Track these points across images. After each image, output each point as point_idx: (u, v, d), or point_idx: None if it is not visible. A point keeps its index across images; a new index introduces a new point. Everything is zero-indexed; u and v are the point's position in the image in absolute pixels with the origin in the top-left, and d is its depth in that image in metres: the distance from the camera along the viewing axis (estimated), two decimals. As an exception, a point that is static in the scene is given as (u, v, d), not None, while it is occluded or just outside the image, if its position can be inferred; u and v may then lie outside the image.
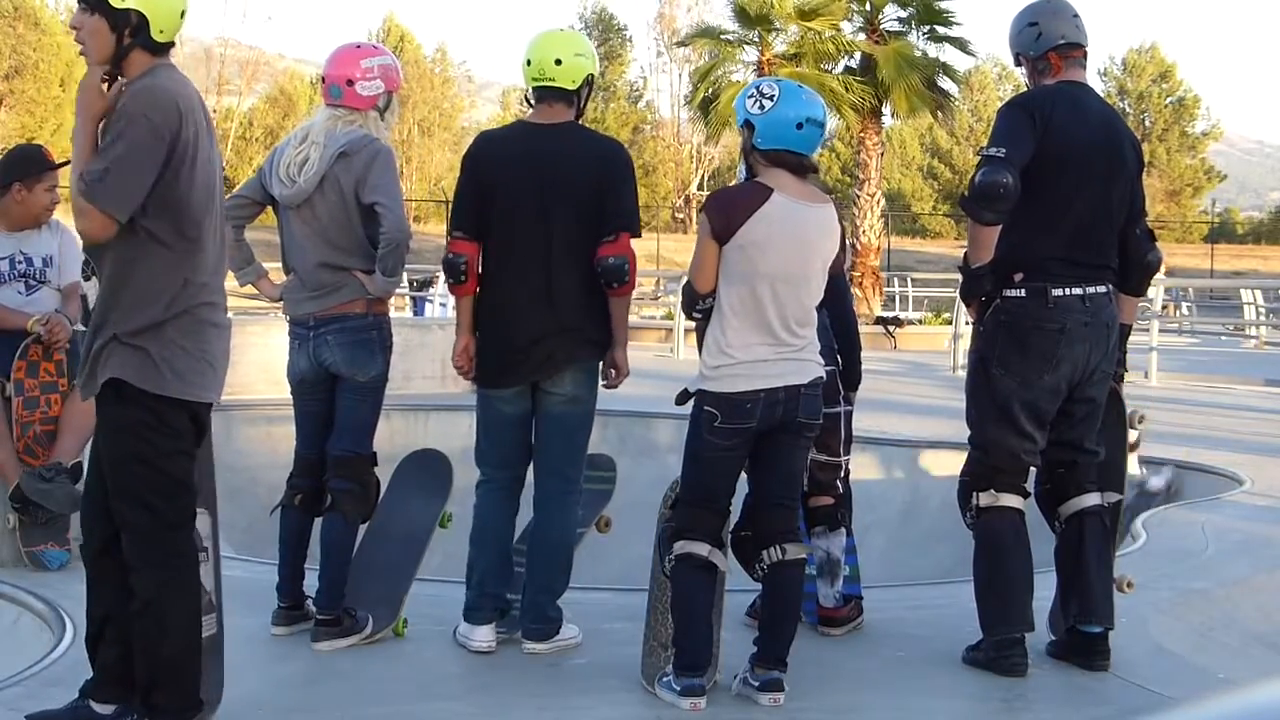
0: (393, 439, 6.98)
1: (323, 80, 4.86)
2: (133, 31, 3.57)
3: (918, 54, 24.55)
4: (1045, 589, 4.70)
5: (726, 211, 4.17)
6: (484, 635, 4.63)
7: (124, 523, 3.59)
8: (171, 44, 3.67)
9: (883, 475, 9.15)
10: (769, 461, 4.24)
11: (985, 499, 4.52)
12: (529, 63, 4.60)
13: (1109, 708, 4.22)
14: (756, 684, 4.15)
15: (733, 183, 5.07)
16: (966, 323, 7.80)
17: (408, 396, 9.96)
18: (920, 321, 24.29)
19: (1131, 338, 4.91)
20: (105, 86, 3.60)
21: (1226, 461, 8.48)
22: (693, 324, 4.46)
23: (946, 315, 22.72)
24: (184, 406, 3.61)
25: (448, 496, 4.99)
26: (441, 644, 4.74)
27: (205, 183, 3.61)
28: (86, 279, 5.81)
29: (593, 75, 4.68)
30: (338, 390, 4.78)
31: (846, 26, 25.12)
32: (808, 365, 4.20)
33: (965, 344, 7.26)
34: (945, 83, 25.23)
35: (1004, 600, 4.49)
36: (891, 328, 21.30)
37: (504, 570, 4.73)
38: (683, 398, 4.27)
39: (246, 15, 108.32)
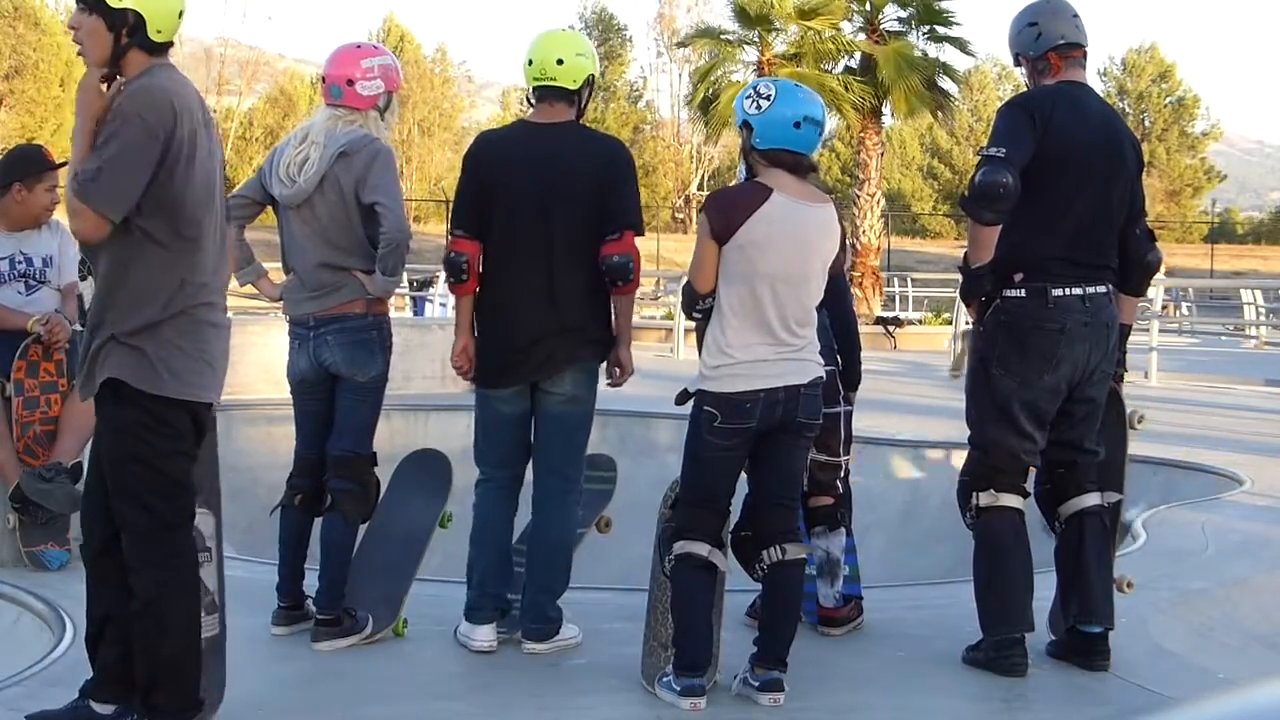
0: (393, 439, 6.98)
1: (323, 80, 4.86)
2: (130, 31, 3.57)
3: (918, 54, 24.57)
4: (1045, 589, 4.70)
5: (726, 212, 4.17)
6: (485, 635, 4.64)
7: (123, 523, 3.59)
8: (170, 44, 3.67)
9: (883, 475, 9.15)
10: (769, 461, 4.24)
11: (985, 499, 4.52)
12: (530, 62, 4.61)
13: (1109, 708, 4.22)
14: (756, 684, 4.15)
15: (733, 183, 5.08)
16: (967, 323, 7.80)
17: (408, 396, 9.96)
18: (920, 321, 24.29)
19: (1131, 338, 4.91)
20: (104, 86, 3.59)
21: (1226, 461, 8.49)
22: (693, 324, 4.46)
23: (946, 315, 22.72)
24: (183, 406, 3.61)
25: (448, 496, 4.99)
26: (441, 644, 4.74)
27: (202, 182, 3.60)
28: (82, 278, 5.81)
29: (593, 75, 4.68)
30: (338, 390, 4.77)
31: (846, 26, 25.16)
32: (808, 365, 4.20)
33: (965, 344, 7.29)
34: (945, 83, 25.26)
35: (1004, 600, 4.49)
36: (891, 328, 21.31)
37: (504, 570, 4.74)
38: (683, 398, 4.27)
39: (246, 15, 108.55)
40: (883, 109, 25.33)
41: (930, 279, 30.59)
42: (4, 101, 45.63)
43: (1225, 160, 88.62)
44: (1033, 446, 4.53)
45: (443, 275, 4.90)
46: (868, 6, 25.03)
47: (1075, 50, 4.57)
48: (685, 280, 4.37)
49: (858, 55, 25.20)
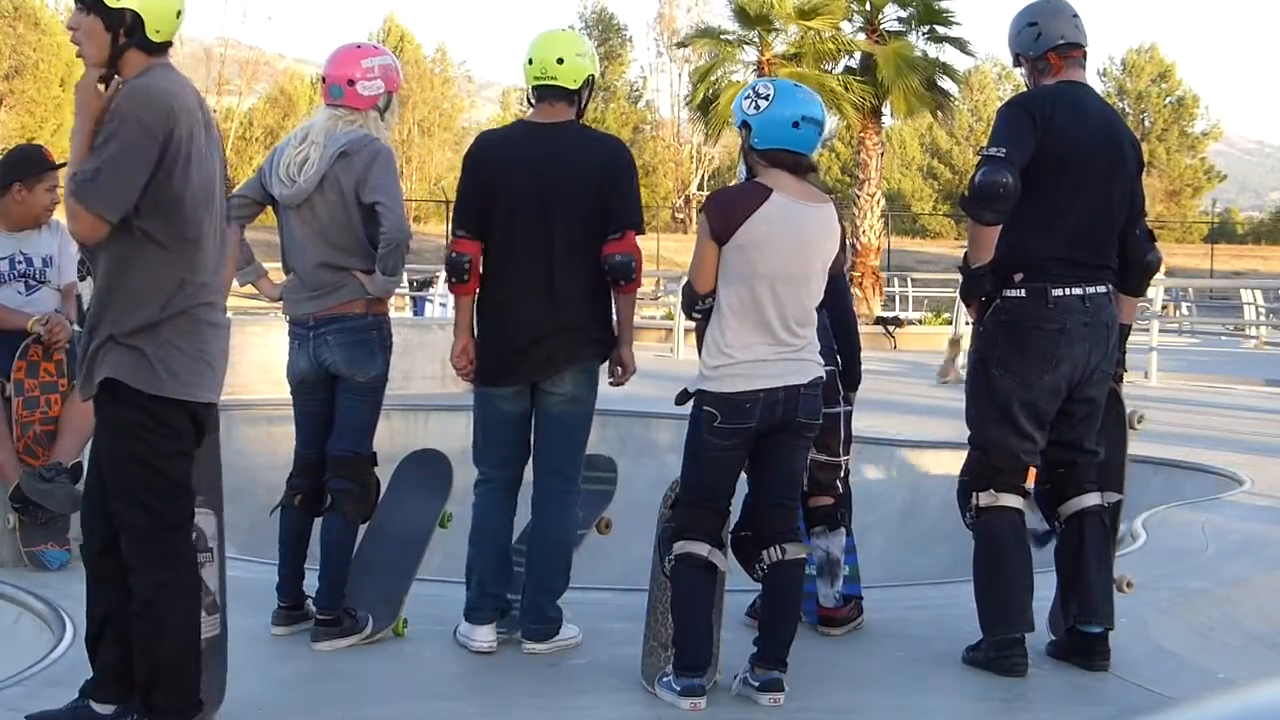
0: (393, 439, 6.97)
1: (323, 80, 4.86)
2: (128, 31, 3.57)
3: (917, 54, 24.56)
4: (1045, 589, 4.70)
5: (725, 212, 4.17)
6: (485, 635, 4.63)
7: (122, 523, 3.59)
8: (169, 44, 3.66)
9: (883, 475, 9.15)
10: (769, 461, 4.24)
11: (985, 499, 4.52)
12: (531, 61, 4.61)
13: (1109, 708, 4.22)
14: (756, 684, 4.15)
15: (733, 183, 5.08)
16: (967, 323, 7.80)
17: (408, 396, 9.96)
18: (920, 321, 24.29)
19: (1131, 338, 4.91)
20: (102, 87, 3.59)
21: (1226, 461, 8.49)
22: (693, 324, 4.46)
23: (946, 315, 22.72)
24: (181, 407, 3.60)
25: (448, 496, 4.99)
26: (441, 644, 4.74)
27: (201, 182, 3.60)
28: (81, 279, 5.81)
29: (593, 76, 4.68)
30: (337, 390, 4.78)
31: (846, 26, 25.16)
32: (807, 365, 4.20)
33: (965, 344, 7.28)
34: (945, 83, 25.26)
35: (1004, 600, 4.49)
36: (891, 328, 21.31)
37: (504, 570, 4.73)
38: (682, 398, 4.27)
39: (246, 15, 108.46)
40: (883, 109, 25.33)
41: (930, 279, 30.59)
42: (4, 101, 45.63)
43: (1225, 160, 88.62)
44: (1033, 446, 4.53)
45: (443, 275, 4.90)
46: (868, 6, 25.04)
47: (1075, 50, 4.57)
48: (685, 280, 4.38)
49: (858, 55, 25.21)
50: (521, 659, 4.60)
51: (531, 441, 4.70)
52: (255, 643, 4.60)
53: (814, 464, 4.85)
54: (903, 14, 25.18)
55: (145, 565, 3.58)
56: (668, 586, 4.29)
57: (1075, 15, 4.60)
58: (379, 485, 4.88)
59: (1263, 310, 23.58)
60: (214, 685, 3.81)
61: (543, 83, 4.59)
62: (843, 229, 4.41)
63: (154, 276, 3.56)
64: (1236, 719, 1.73)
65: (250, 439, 8.89)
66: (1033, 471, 4.67)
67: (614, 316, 4.68)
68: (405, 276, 18.27)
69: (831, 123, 30.56)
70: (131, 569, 3.59)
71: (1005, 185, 4.29)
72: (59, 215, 5.87)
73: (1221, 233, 57.14)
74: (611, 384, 4.74)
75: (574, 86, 4.61)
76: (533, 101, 4.67)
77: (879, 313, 23.48)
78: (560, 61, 4.57)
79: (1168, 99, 58.92)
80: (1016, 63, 4.72)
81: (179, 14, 3.65)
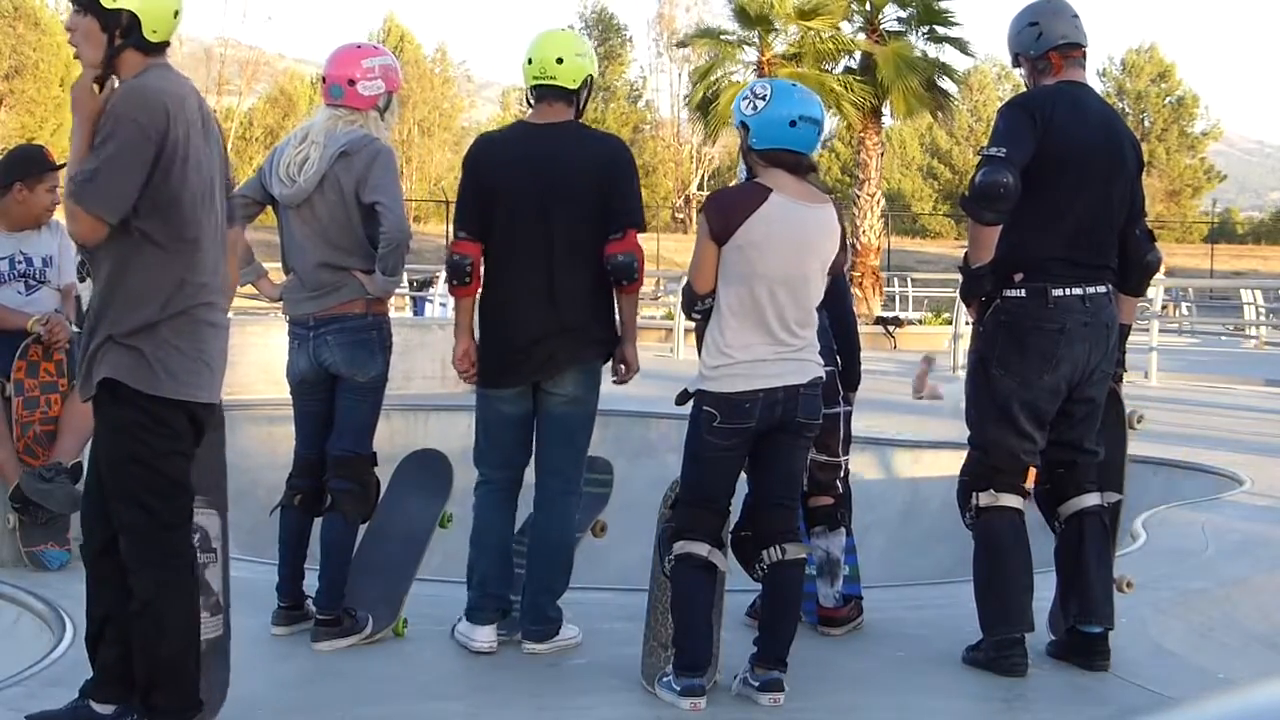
0: (393, 439, 6.97)
1: (323, 80, 4.85)
2: (124, 32, 3.56)
3: (917, 54, 24.56)
4: (1045, 589, 4.70)
5: (725, 212, 4.17)
6: (486, 635, 4.63)
7: (121, 523, 3.59)
8: (166, 44, 3.66)
9: (883, 475, 9.16)
10: (768, 461, 4.24)
11: (985, 499, 4.52)
12: (530, 61, 4.60)
13: (1109, 708, 4.22)
14: (756, 684, 4.15)
15: (733, 183, 5.08)
16: (966, 323, 7.80)
17: (408, 396, 9.96)
18: (920, 321, 24.29)
19: (1131, 338, 4.91)
20: (96, 88, 3.58)
21: (1226, 461, 8.49)
22: (693, 324, 4.46)
23: (946, 315, 22.72)
24: (180, 407, 3.60)
25: (448, 496, 4.99)
26: (441, 644, 4.74)
27: (199, 182, 3.60)
28: (81, 280, 5.81)
29: (592, 76, 4.68)
30: (337, 390, 4.77)
31: (846, 26, 25.16)
32: (807, 365, 4.20)
33: (965, 344, 7.28)
34: (945, 83, 25.25)
35: (1004, 600, 4.49)
36: (891, 328, 21.32)
37: (506, 571, 4.73)
38: (682, 398, 4.27)
39: (246, 15, 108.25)
40: (883, 109, 25.33)
41: (930, 279, 30.59)
42: (4, 101, 45.64)
43: (1225, 160, 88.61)
44: (1032, 446, 4.53)
45: (443, 275, 4.91)
46: (868, 6, 25.04)
47: (1075, 50, 4.57)
48: (685, 280, 4.38)
49: (858, 55, 25.21)
50: (521, 659, 4.60)
51: (533, 442, 4.70)
52: (255, 643, 4.60)
53: (814, 464, 4.85)
54: (903, 14, 25.19)
55: (144, 565, 3.58)
56: (668, 586, 4.29)
57: (1075, 15, 4.60)
58: (379, 485, 4.88)
59: (1263, 310, 23.58)
60: (216, 686, 3.81)
61: (542, 83, 4.59)
62: (843, 229, 4.41)
63: (153, 277, 3.56)
64: (1236, 719, 1.73)
65: (250, 439, 8.89)
66: (1032, 471, 4.67)
67: (616, 316, 4.68)
68: (405, 276, 18.26)
69: (831, 123, 30.59)
70: (131, 569, 3.58)
71: (1006, 185, 4.29)
72: (59, 215, 5.89)
73: (1221, 233, 57.14)
74: (615, 382, 4.75)
75: (573, 86, 4.60)
76: (531, 102, 4.67)
77: (879, 313, 23.49)
78: (560, 61, 4.57)
79: (1167, 99, 58.93)
80: (1016, 63, 4.71)
81: (176, 14, 3.64)
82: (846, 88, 24.01)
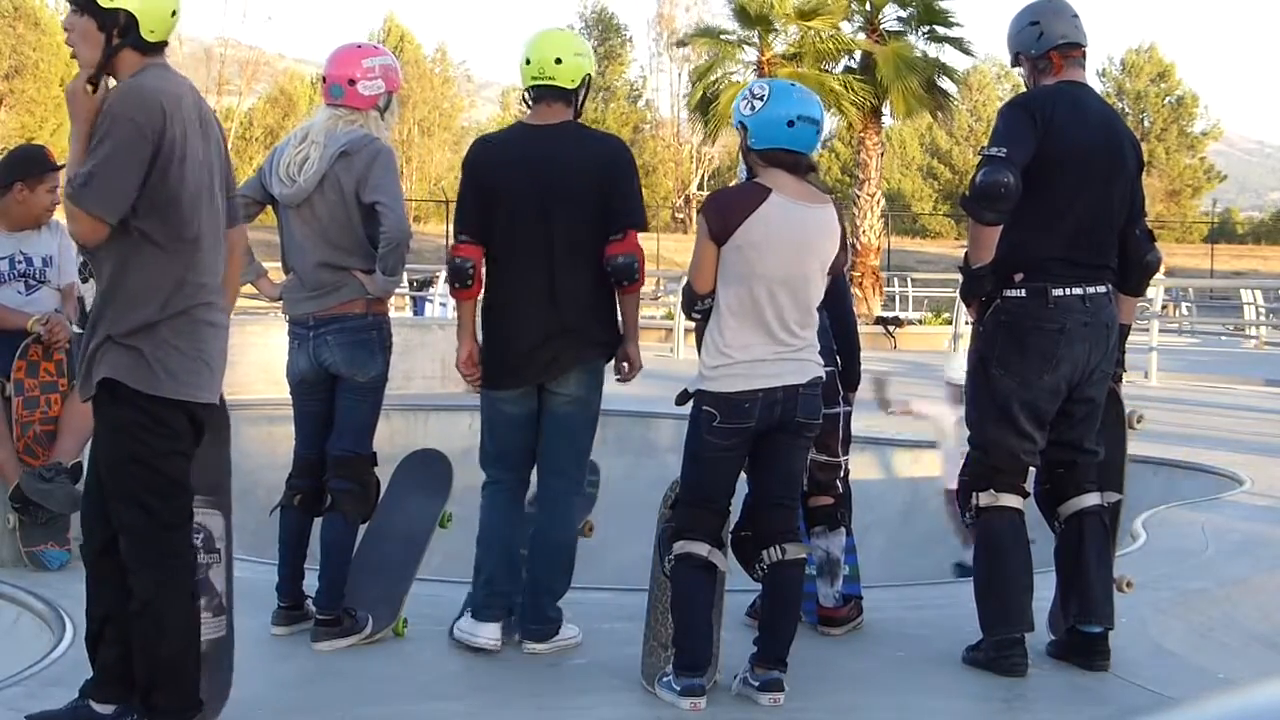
0: (393, 439, 6.98)
1: (323, 80, 4.85)
2: (121, 32, 3.56)
3: (917, 54, 24.56)
4: (1045, 589, 4.70)
5: (724, 212, 4.18)
6: (490, 633, 4.61)
7: (121, 523, 3.59)
8: (164, 43, 3.65)
9: (883, 475, 9.15)
10: (768, 461, 4.24)
11: (985, 499, 4.52)
12: (528, 61, 4.59)
13: (1109, 708, 4.22)
14: (756, 684, 4.15)
15: (733, 183, 5.08)
16: (966, 322, 7.80)
17: (408, 396, 9.97)
18: (920, 321, 24.30)
19: (1131, 338, 4.91)
20: (90, 89, 3.58)
21: (1226, 461, 8.49)
22: (693, 324, 4.46)
23: (946, 315, 22.73)
24: (180, 407, 3.60)
25: (448, 496, 4.99)
26: (441, 644, 4.74)
27: (197, 182, 3.59)
28: (84, 281, 5.81)
29: (590, 75, 4.68)
30: (337, 390, 4.77)
31: (846, 26, 25.15)
32: (807, 365, 4.20)
33: (965, 344, 7.27)
34: (945, 83, 25.25)
35: (1004, 600, 4.49)
36: (891, 328, 21.31)
37: (513, 570, 4.71)
38: (682, 398, 4.27)
39: (246, 15, 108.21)
40: (883, 109, 25.33)
41: (930, 279, 30.59)
42: (4, 101, 45.65)
43: (1225, 160, 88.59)
44: (1032, 446, 4.53)
45: (443, 275, 4.90)
46: (868, 6, 25.03)
47: (1075, 50, 4.57)
48: (685, 280, 4.38)
49: (858, 55, 25.20)
50: (521, 659, 4.60)
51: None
52: (255, 643, 4.60)
53: (814, 464, 4.85)
54: (903, 14, 25.18)
55: (144, 565, 3.58)
56: (668, 586, 4.29)
57: (1075, 15, 4.60)
58: (379, 485, 4.88)
59: (1263, 310, 23.59)
60: (219, 687, 3.81)
61: (540, 83, 4.58)
62: (843, 229, 4.41)
63: (152, 277, 3.56)
64: (1236, 719, 1.73)
65: (250, 439, 8.89)
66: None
67: (618, 315, 4.68)
68: (405, 276, 18.26)
69: (831, 123, 30.60)
70: (130, 569, 3.58)
71: (1006, 185, 4.29)
72: (59, 216, 5.89)
73: (1221, 233, 57.14)
74: (619, 380, 4.75)
75: (572, 86, 4.60)
76: (529, 102, 4.67)
77: (879, 313, 23.48)
78: (558, 62, 4.56)
79: (1167, 99, 58.92)
80: (1015, 62, 4.71)
81: (174, 14, 3.64)
82: (846, 88, 24.01)
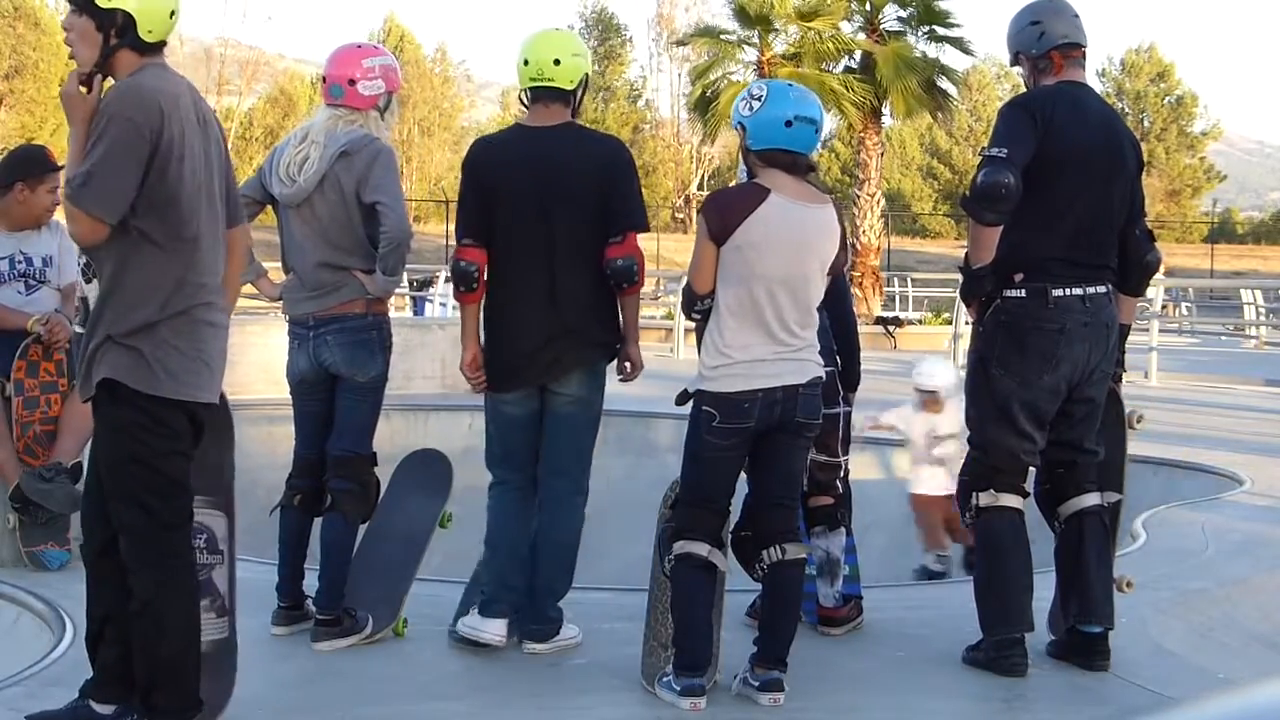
0: (393, 439, 6.98)
1: (323, 80, 4.85)
2: (119, 32, 3.56)
3: (917, 54, 24.56)
4: (1045, 589, 4.70)
5: (723, 213, 4.18)
6: (497, 628, 4.59)
7: (120, 523, 3.59)
8: (162, 44, 3.66)
9: (883, 475, 9.15)
10: (768, 461, 4.24)
11: (985, 499, 4.52)
12: (526, 62, 4.59)
13: (1109, 708, 4.22)
14: (756, 684, 4.15)
15: (733, 183, 5.08)
16: (966, 323, 7.80)
17: (408, 396, 9.97)
18: (920, 321, 24.30)
19: (1131, 338, 4.91)
20: (85, 89, 3.58)
21: (1226, 461, 8.49)
22: (692, 324, 4.46)
23: (946, 315, 22.73)
24: (179, 407, 3.60)
25: (448, 496, 4.99)
26: (441, 644, 4.74)
27: (196, 181, 3.59)
28: (88, 281, 5.81)
29: (588, 75, 4.68)
30: (337, 390, 4.77)
31: (846, 26, 25.15)
32: (806, 365, 4.20)
33: (965, 344, 7.26)
34: (944, 83, 25.24)
35: (1004, 600, 4.49)
36: (891, 328, 21.32)
37: (522, 568, 4.70)
38: (682, 398, 4.27)
39: (246, 15, 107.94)
40: (883, 109, 25.33)
41: (930, 279, 30.59)
42: (4, 101, 45.66)
43: (1225, 160, 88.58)
44: (1032, 446, 4.53)
45: (443, 275, 4.90)
46: (868, 6, 25.04)
47: (1076, 50, 4.57)
48: (685, 281, 4.38)
49: (858, 55, 25.20)
50: (521, 659, 4.60)
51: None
52: (255, 643, 4.59)
53: (814, 464, 4.85)
54: (903, 14, 25.19)
55: (144, 565, 3.58)
56: (668, 586, 4.29)
57: (1076, 15, 4.60)
58: (379, 485, 4.88)
59: (1263, 310, 23.58)
60: (222, 688, 3.81)
61: (539, 84, 4.58)
62: (843, 229, 4.41)
63: (151, 276, 3.56)
64: (1236, 719, 1.73)
65: (250, 439, 8.87)
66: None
67: (619, 315, 4.67)
68: (405, 276, 18.26)
69: (831, 123, 30.57)
70: (130, 569, 3.58)
71: (1007, 186, 4.29)
72: (59, 216, 5.89)
73: (1221, 233, 57.12)
74: (620, 380, 4.75)
75: (570, 87, 4.60)
76: (526, 103, 4.66)
77: (879, 313, 23.49)
78: (557, 63, 4.55)
79: (1166, 99, 58.91)
80: (1015, 61, 4.71)
81: (172, 14, 3.64)
82: (846, 88, 24.01)
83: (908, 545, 8.10)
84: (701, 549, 4.18)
